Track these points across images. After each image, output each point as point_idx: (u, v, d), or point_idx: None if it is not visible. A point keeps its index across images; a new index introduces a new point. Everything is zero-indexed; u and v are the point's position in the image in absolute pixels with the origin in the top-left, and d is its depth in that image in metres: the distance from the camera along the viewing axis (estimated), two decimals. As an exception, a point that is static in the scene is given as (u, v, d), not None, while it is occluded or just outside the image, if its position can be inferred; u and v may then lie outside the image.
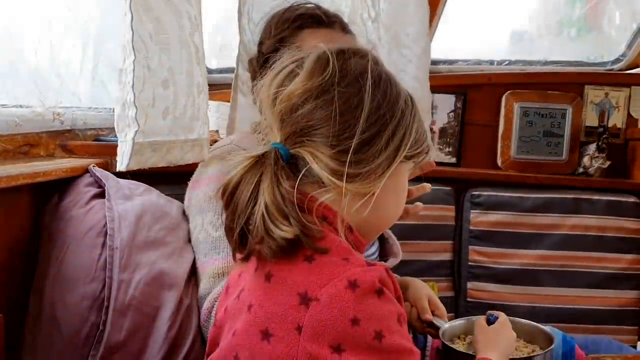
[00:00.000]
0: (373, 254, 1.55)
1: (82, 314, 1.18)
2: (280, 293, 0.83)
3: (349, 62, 0.91)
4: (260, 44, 1.50)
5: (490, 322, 1.30)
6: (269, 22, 1.49)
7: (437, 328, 1.45)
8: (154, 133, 1.25)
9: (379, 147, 0.88)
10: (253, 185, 0.85)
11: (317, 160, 0.86)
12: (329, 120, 0.86)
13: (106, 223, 1.29)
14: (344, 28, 1.45)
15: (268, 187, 0.84)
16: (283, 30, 1.43)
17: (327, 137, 0.86)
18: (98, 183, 1.39)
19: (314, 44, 1.39)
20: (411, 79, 1.82)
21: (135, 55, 1.11)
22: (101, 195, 1.36)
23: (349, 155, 0.85)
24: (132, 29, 1.09)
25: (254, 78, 1.48)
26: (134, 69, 1.12)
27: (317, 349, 0.79)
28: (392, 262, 1.59)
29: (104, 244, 1.27)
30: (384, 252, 1.61)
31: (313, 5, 1.48)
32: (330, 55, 0.90)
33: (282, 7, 1.52)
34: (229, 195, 0.87)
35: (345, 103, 0.87)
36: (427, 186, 1.43)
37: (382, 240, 1.60)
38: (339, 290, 0.80)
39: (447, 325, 1.44)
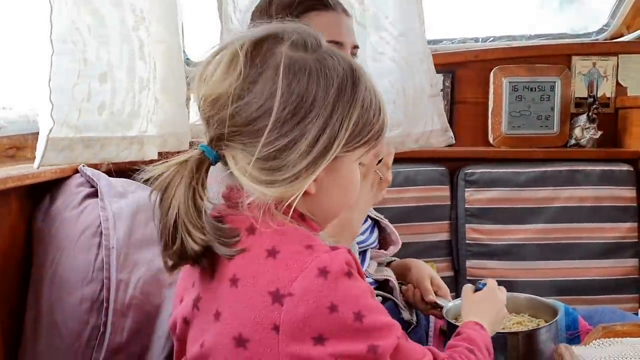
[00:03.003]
0: (372, 243, 1.54)
1: (82, 317, 1.17)
2: (251, 296, 0.80)
3: (262, 58, 0.84)
4: None
5: (479, 290, 1.29)
6: (265, 8, 1.44)
7: (441, 308, 1.45)
8: (87, 128, 1.22)
9: (300, 151, 0.82)
10: (174, 191, 0.83)
11: (238, 166, 0.83)
12: (243, 126, 0.82)
13: (101, 223, 1.27)
14: (346, 12, 1.42)
15: (182, 195, 0.82)
16: (286, 15, 1.40)
17: (244, 143, 0.83)
18: (90, 183, 1.38)
19: (323, 28, 1.38)
20: (389, 61, 1.80)
21: (53, 50, 1.08)
22: (93, 195, 1.35)
23: (267, 162, 0.82)
24: (50, 23, 1.06)
25: None
26: (51, 65, 1.09)
27: (299, 347, 0.78)
28: (393, 250, 1.58)
29: (99, 245, 1.26)
30: (383, 241, 1.60)
31: None
32: (241, 54, 0.83)
33: None
34: (159, 202, 0.84)
35: (258, 109, 0.82)
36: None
37: (380, 229, 1.59)
38: (310, 281, 0.78)
39: (450, 304, 1.44)
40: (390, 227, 1.59)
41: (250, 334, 0.79)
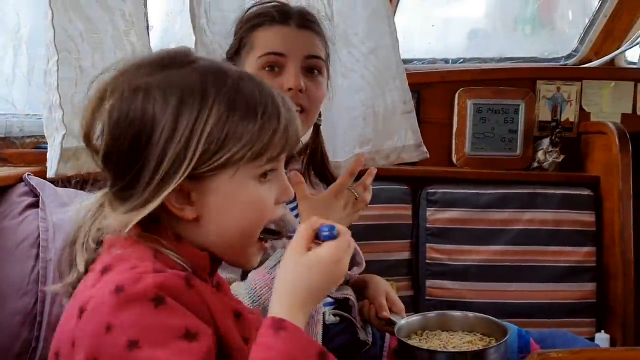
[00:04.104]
0: None
1: (13, 330, 1.14)
2: (69, 311, 0.79)
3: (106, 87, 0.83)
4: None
5: (320, 238, 0.86)
6: (234, 22, 1.49)
7: (395, 324, 1.44)
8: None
9: (147, 175, 0.79)
10: None
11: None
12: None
13: (39, 234, 1.25)
14: (302, 24, 1.43)
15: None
16: (241, 30, 1.44)
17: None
18: (33, 192, 1.34)
19: (266, 42, 1.39)
20: (358, 78, 1.80)
21: (58, 55, 1.06)
22: (36, 205, 1.32)
23: (123, 191, 0.81)
24: (53, 27, 1.04)
25: None
26: (57, 70, 1.07)
27: None
28: (356, 271, 1.56)
29: (37, 256, 1.23)
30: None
31: (273, 2, 1.46)
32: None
33: (240, 6, 1.53)
34: None
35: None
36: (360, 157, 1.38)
37: None
38: (102, 296, 0.73)
39: (402, 321, 1.43)
40: (356, 248, 1.58)
41: (61, 348, 0.77)
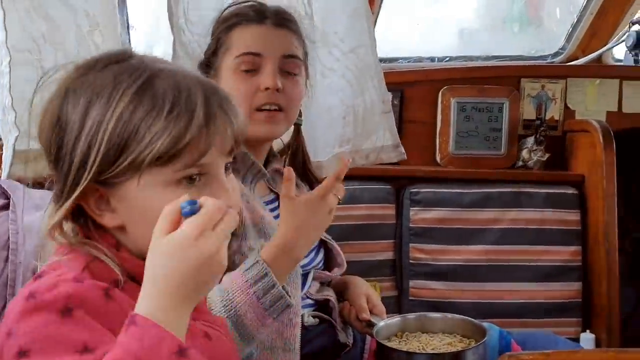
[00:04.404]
0: (317, 264, 1.51)
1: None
2: None
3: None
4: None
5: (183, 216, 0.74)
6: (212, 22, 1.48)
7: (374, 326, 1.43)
8: None
9: (61, 181, 0.79)
10: None
11: None
12: None
13: (9, 237, 1.23)
14: (278, 23, 1.43)
15: None
16: (218, 31, 1.43)
17: None
18: (5, 194, 1.32)
19: (242, 42, 1.38)
20: (338, 78, 1.79)
21: (10, 56, 1.04)
22: (6, 207, 1.30)
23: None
24: (5, 29, 1.02)
25: None
26: (9, 71, 1.05)
27: None
28: (337, 272, 1.55)
29: (6, 259, 1.21)
30: (328, 262, 1.57)
31: (250, 2, 1.45)
32: None
33: (219, 6, 1.51)
34: None
35: None
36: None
37: (326, 249, 1.56)
38: (16, 301, 0.73)
39: (382, 323, 1.42)
40: (337, 249, 1.57)
41: None
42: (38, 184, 1.35)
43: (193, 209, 0.71)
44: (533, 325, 2.09)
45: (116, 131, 0.76)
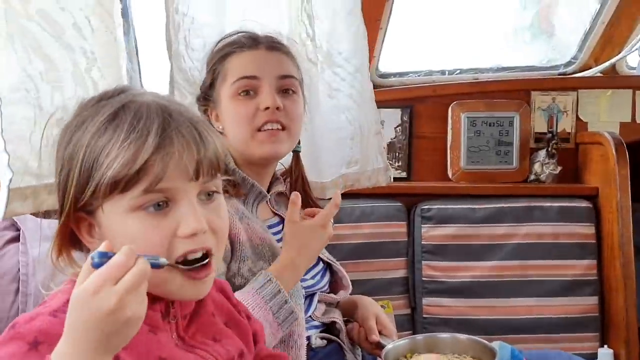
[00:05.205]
0: (323, 287, 1.51)
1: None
2: None
3: None
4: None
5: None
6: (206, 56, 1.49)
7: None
8: (49, 175, 1.21)
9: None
10: None
11: None
12: None
13: (19, 269, 1.25)
14: (271, 47, 1.44)
15: None
16: (213, 62, 1.44)
17: None
18: (15, 226, 1.35)
19: (238, 68, 1.40)
20: (345, 97, 1.79)
21: (1, 100, 1.08)
22: (17, 239, 1.32)
23: None
24: None
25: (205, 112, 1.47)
26: (0, 115, 1.08)
27: None
28: (342, 294, 1.55)
29: (17, 291, 1.23)
30: (334, 284, 1.57)
31: (242, 31, 1.46)
32: None
33: (220, 33, 1.53)
34: None
35: None
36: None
37: (332, 272, 1.57)
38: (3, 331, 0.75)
39: (390, 345, 1.41)
40: (342, 272, 1.57)
41: None
42: (49, 215, 1.39)
43: (101, 261, 0.70)
44: (549, 341, 2.06)
45: (84, 158, 0.80)
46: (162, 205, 0.81)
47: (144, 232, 0.79)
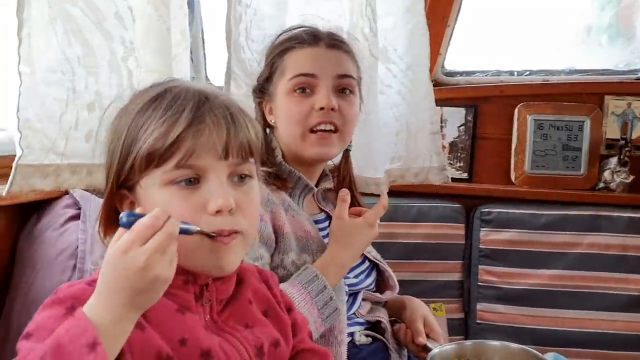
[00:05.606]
0: (368, 285, 1.50)
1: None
2: None
3: None
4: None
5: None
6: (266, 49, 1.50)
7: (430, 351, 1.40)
8: (74, 155, 1.25)
9: None
10: None
11: None
12: None
13: (78, 245, 1.29)
14: (332, 45, 1.43)
15: None
16: (272, 56, 1.45)
17: None
18: (77, 205, 1.39)
19: (296, 65, 1.40)
20: (394, 94, 1.77)
21: (21, 80, 1.11)
22: (78, 217, 1.36)
23: None
24: (19, 55, 1.10)
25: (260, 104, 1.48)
26: (19, 95, 1.12)
27: None
28: (389, 294, 1.54)
29: (74, 267, 1.27)
30: (381, 284, 1.56)
31: (302, 27, 1.46)
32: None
33: (280, 26, 1.54)
34: None
35: None
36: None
37: (379, 271, 1.55)
38: None
39: (437, 349, 1.38)
40: (389, 272, 1.55)
41: None
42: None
43: (129, 221, 0.74)
44: (607, 357, 1.98)
45: (127, 135, 0.85)
46: (194, 182, 0.84)
47: (175, 205, 0.82)
